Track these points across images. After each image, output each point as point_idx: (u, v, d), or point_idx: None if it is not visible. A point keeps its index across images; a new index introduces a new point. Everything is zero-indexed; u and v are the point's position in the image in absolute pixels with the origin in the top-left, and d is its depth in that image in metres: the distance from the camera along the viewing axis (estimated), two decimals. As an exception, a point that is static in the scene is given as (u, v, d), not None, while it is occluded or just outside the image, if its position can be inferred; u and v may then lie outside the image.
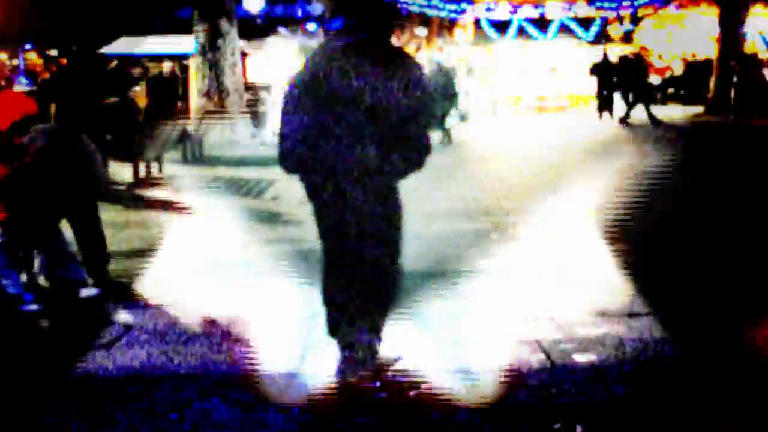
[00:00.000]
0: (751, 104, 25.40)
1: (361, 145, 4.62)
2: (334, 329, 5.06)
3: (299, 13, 57.33)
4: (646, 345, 5.50)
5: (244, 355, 5.52)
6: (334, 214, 4.83)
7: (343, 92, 4.61)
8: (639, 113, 27.55)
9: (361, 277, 4.88)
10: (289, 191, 12.93)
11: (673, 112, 29.45)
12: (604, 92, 26.82)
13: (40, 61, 39.14)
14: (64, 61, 12.77)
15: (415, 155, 4.74)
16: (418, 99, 4.62)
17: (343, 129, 4.63)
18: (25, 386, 5.06)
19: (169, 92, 20.24)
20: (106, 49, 26.53)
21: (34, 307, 6.42)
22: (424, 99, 4.65)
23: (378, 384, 4.89)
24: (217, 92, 21.21)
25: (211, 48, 21.25)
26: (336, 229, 4.86)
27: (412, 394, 4.82)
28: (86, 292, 6.86)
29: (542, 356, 5.35)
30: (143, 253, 8.65)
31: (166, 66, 21.23)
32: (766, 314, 6.17)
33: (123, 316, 6.42)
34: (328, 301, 5.05)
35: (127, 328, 6.13)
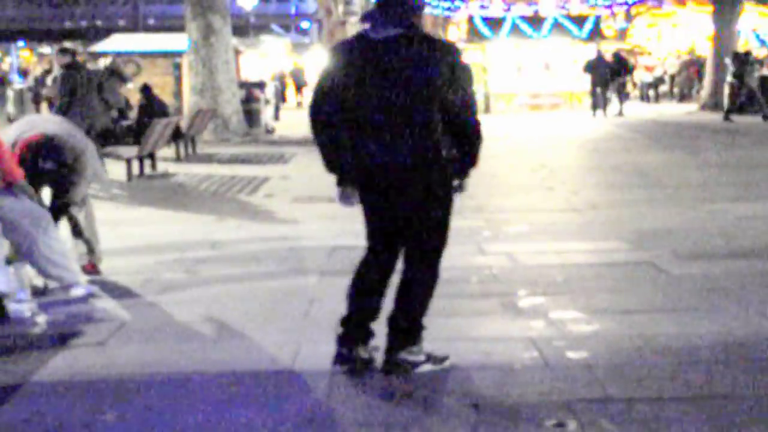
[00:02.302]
0: (746, 102, 25.46)
1: (420, 134, 4.74)
2: (363, 319, 5.10)
3: (293, 10, 57.33)
4: (639, 342, 5.49)
5: (238, 352, 5.51)
6: (390, 206, 4.93)
7: (398, 82, 4.72)
8: (632, 110, 27.62)
9: (414, 266, 5.00)
10: (283, 188, 12.94)
11: (666, 110, 29.53)
12: (598, 90, 26.86)
13: (32, 59, 39.09)
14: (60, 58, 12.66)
15: (469, 141, 4.88)
16: (465, 83, 4.79)
17: (402, 120, 4.74)
18: (14, 384, 5.04)
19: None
20: (98, 47, 26.49)
21: (26, 305, 6.39)
22: (469, 83, 4.86)
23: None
24: (210, 90, 21.18)
25: (204, 45, 21.23)
26: (390, 220, 4.99)
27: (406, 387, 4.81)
28: (76, 291, 6.84)
29: (535, 353, 5.34)
30: (136, 250, 8.63)
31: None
32: None
33: (117, 313, 6.40)
34: (367, 290, 5.10)
35: (119, 325, 6.11)
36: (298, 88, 37.16)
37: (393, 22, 4.79)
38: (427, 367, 5.05)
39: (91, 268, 7.46)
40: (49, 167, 6.80)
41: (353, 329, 5.09)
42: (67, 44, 14.60)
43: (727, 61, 25.14)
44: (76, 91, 12.35)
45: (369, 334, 5.12)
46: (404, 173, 4.81)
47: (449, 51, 4.82)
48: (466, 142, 4.89)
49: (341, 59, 4.89)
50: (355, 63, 4.82)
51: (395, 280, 5.11)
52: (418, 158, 4.77)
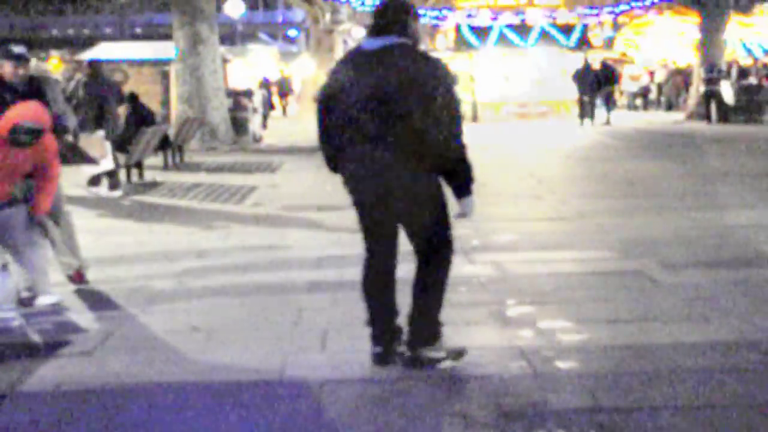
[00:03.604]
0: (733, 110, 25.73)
1: (400, 141, 4.86)
2: (380, 319, 5.27)
3: (280, 19, 57.36)
4: (628, 351, 5.49)
5: (227, 361, 5.48)
6: (382, 209, 5.08)
7: (380, 91, 4.86)
8: (620, 119, 27.70)
9: (423, 266, 5.15)
10: (271, 197, 12.91)
11: (653, 119, 29.62)
12: (585, 98, 26.93)
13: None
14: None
15: (453, 162, 5.00)
16: (448, 96, 4.89)
17: (384, 126, 4.88)
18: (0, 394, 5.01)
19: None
20: (86, 55, 26.42)
21: (11, 314, 6.35)
22: (453, 96, 4.94)
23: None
24: (197, 98, 21.14)
25: (191, 54, 21.20)
26: (382, 223, 5.16)
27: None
28: (45, 299, 6.79)
29: (524, 363, 5.33)
30: (123, 259, 8.60)
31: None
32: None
33: (104, 323, 6.36)
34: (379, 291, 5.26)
35: (106, 335, 6.08)
36: (283, 95, 37.19)
37: (386, 32, 4.98)
38: (447, 363, 5.20)
39: (78, 278, 7.42)
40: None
41: (381, 328, 5.25)
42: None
43: (701, 72, 25.86)
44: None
45: (399, 330, 5.28)
46: (389, 180, 4.93)
47: (436, 66, 4.95)
48: (449, 163, 4.99)
49: (338, 71, 5.11)
50: (348, 73, 5.01)
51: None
52: (402, 166, 4.89)
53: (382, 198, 5.02)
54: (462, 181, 5.06)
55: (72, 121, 9.13)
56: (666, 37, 39.45)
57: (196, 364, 5.47)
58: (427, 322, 5.17)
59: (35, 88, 7.45)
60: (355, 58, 5.11)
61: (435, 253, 5.14)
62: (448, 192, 5.13)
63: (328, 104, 5.12)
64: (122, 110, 16.63)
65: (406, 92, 4.83)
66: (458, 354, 5.28)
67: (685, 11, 34.58)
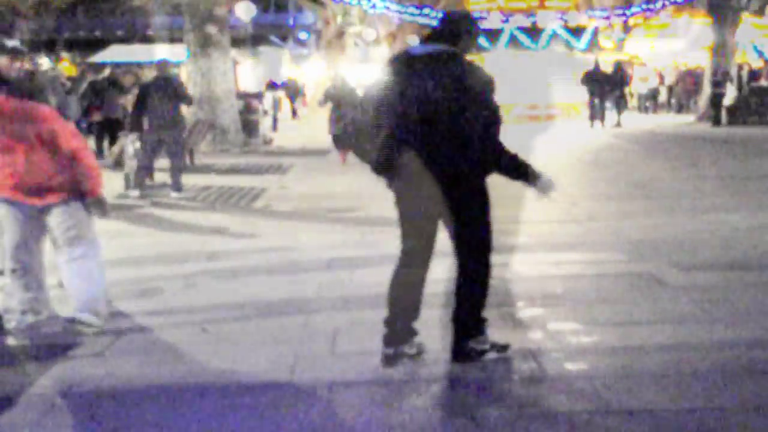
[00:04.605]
0: (744, 113, 25.69)
1: (445, 143, 5.06)
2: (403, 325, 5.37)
3: (291, 21, 57.38)
4: (638, 353, 5.48)
5: (237, 363, 5.49)
6: (428, 210, 5.21)
7: (426, 95, 5.06)
8: (630, 121, 27.64)
9: (463, 264, 5.29)
10: (281, 199, 12.93)
11: (664, 121, 29.55)
12: (596, 101, 26.88)
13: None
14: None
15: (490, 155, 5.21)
16: (488, 101, 5.15)
17: (431, 129, 5.07)
18: (11, 395, 5.02)
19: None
20: (97, 57, 26.52)
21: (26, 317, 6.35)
22: (493, 101, 5.16)
23: None
24: (208, 100, 21.17)
25: (202, 56, 21.24)
26: (430, 223, 5.27)
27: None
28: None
29: (534, 365, 5.33)
30: (134, 261, 8.62)
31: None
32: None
33: (114, 324, 6.37)
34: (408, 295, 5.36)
35: (117, 336, 6.09)
36: (292, 98, 37.23)
37: (438, 40, 5.23)
38: (492, 355, 5.36)
39: None
40: None
41: (397, 330, 5.34)
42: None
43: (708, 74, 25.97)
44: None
45: (412, 333, 5.39)
46: (438, 181, 5.11)
47: (479, 74, 5.18)
48: (495, 162, 5.23)
49: (386, 76, 5.27)
50: (395, 77, 5.20)
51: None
52: (449, 167, 5.08)
53: (429, 199, 5.16)
54: (519, 171, 5.31)
55: (73, 111, 9.15)
56: (677, 39, 39.37)
57: (206, 366, 5.48)
58: (471, 316, 5.32)
59: (35, 83, 7.45)
60: (402, 62, 5.27)
61: (476, 252, 5.27)
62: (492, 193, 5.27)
63: (378, 107, 5.24)
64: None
65: (449, 96, 5.04)
66: (503, 347, 5.45)
67: (696, 13, 34.54)
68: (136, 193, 13.30)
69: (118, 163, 15.05)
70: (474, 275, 5.30)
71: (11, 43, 8.45)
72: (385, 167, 5.24)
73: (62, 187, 6.11)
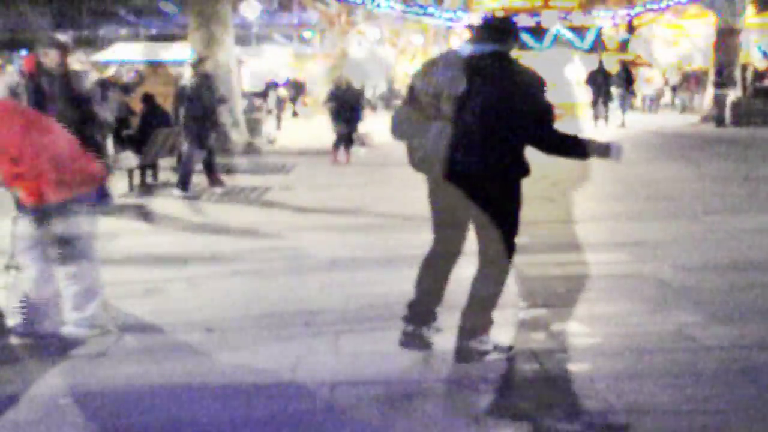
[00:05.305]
0: (748, 113, 25.68)
1: (489, 142, 5.15)
2: (425, 317, 5.51)
3: (295, 20, 57.35)
4: (641, 354, 5.48)
5: (239, 363, 5.49)
6: (460, 208, 5.32)
7: (477, 94, 5.13)
8: (634, 121, 27.63)
9: (484, 262, 5.40)
10: (284, 198, 12.93)
11: (667, 121, 29.53)
12: (599, 101, 26.88)
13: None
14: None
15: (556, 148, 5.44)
16: (545, 102, 5.30)
17: (476, 127, 5.14)
18: (13, 395, 5.03)
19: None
20: (102, 56, 26.54)
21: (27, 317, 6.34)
22: (544, 97, 5.29)
23: None
24: (213, 99, 21.13)
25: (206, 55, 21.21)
26: (456, 219, 5.40)
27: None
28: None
29: (536, 365, 5.33)
30: (136, 261, 8.62)
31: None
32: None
33: (117, 324, 6.36)
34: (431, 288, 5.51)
35: (121, 335, 6.09)
36: (293, 98, 37.28)
37: (486, 41, 5.27)
38: (494, 356, 5.37)
39: None
40: None
41: (419, 311, 5.50)
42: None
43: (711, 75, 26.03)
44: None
45: (433, 317, 5.52)
46: (474, 179, 5.20)
47: (530, 73, 5.28)
48: (554, 149, 5.42)
49: (431, 73, 5.32)
50: (445, 76, 5.22)
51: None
52: (487, 165, 5.17)
53: (463, 197, 5.25)
54: (579, 150, 5.54)
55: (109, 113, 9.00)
56: (681, 39, 39.34)
57: (208, 366, 5.48)
58: (479, 315, 5.37)
59: (81, 82, 7.40)
60: (452, 62, 5.32)
61: (500, 253, 5.35)
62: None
63: (421, 103, 5.29)
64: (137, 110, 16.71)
65: (502, 96, 5.12)
66: (505, 348, 5.47)
67: (700, 13, 34.51)
68: (179, 192, 13.17)
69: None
70: (490, 276, 5.37)
71: (63, 37, 8.37)
72: (427, 164, 5.30)
73: None
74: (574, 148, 5.47)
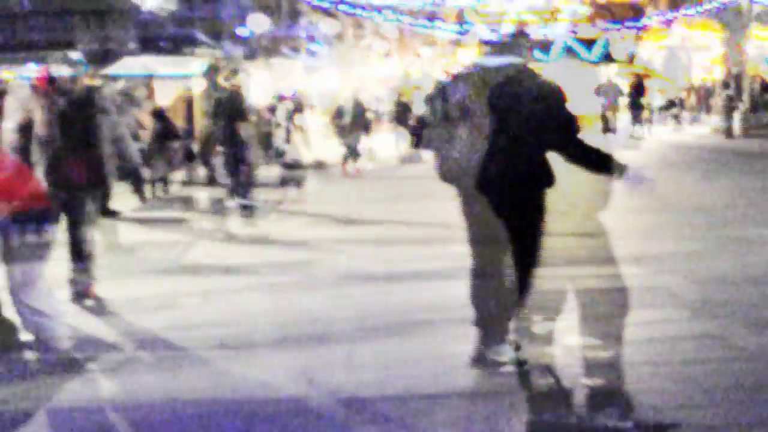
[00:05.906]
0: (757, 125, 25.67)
1: (515, 151, 5.20)
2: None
3: (303, 33, 57.40)
4: (656, 368, 5.46)
5: (253, 377, 5.49)
6: (494, 221, 5.34)
7: (502, 104, 5.25)
8: (644, 133, 27.59)
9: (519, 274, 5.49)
10: (295, 212, 12.94)
11: (678, 133, 29.49)
12: (608, 113, 26.87)
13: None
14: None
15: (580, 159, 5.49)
16: (566, 112, 5.37)
17: (501, 137, 5.22)
18: (28, 410, 5.03)
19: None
20: (110, 69, 26.57)
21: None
22: (565, 107, 5.33)
23: None
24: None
25: (215, 69, 21.30)
26: (488, 229, 5.43)
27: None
28: None
29: (551, 380, 5.30)
30: (150, 274, 8.62)
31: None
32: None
33: (130, 338, 6.37)
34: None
35: (135, 350, 6.09)
36: (299, 110, 37.28)
37: (505, 53, 5.51)
38: (509, 368, 5.40)
39: (91, 293, 7.42)
40: None
41: (485, 331, 5.54)
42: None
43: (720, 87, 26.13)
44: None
45: (496, 339, 5.52)
46: (501, 188, 5.26)
47: (550, 84, 5.45)
48: (578, 159, 5.45)
49: (454, 86, 5.51)
50: (469, 88, 5.42)
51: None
52: (513, 175, 5.23)
53: (494, 205, 5.30)
54: (603, 165, 5.54)
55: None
56: (689, 50, 39.29)
57: (223, 380, 5.47)
58: (495, 323, 5.47)
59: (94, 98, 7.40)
60: (474, 74, 5.49)
61: (524, 265, 5.47)
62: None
63: (450, 119, 5.42)
64: (149, 125, 16.69)
65: (526, 107, 5.20)
66: (521, 363, 5.43)
67: (708, 25, 34.47)
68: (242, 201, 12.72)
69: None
70: (515, 286, 5.48)
71: (75, 55, 8.34)
72: (455, 177, 5.41)
73: None
74: (598, 162, 5.51)
